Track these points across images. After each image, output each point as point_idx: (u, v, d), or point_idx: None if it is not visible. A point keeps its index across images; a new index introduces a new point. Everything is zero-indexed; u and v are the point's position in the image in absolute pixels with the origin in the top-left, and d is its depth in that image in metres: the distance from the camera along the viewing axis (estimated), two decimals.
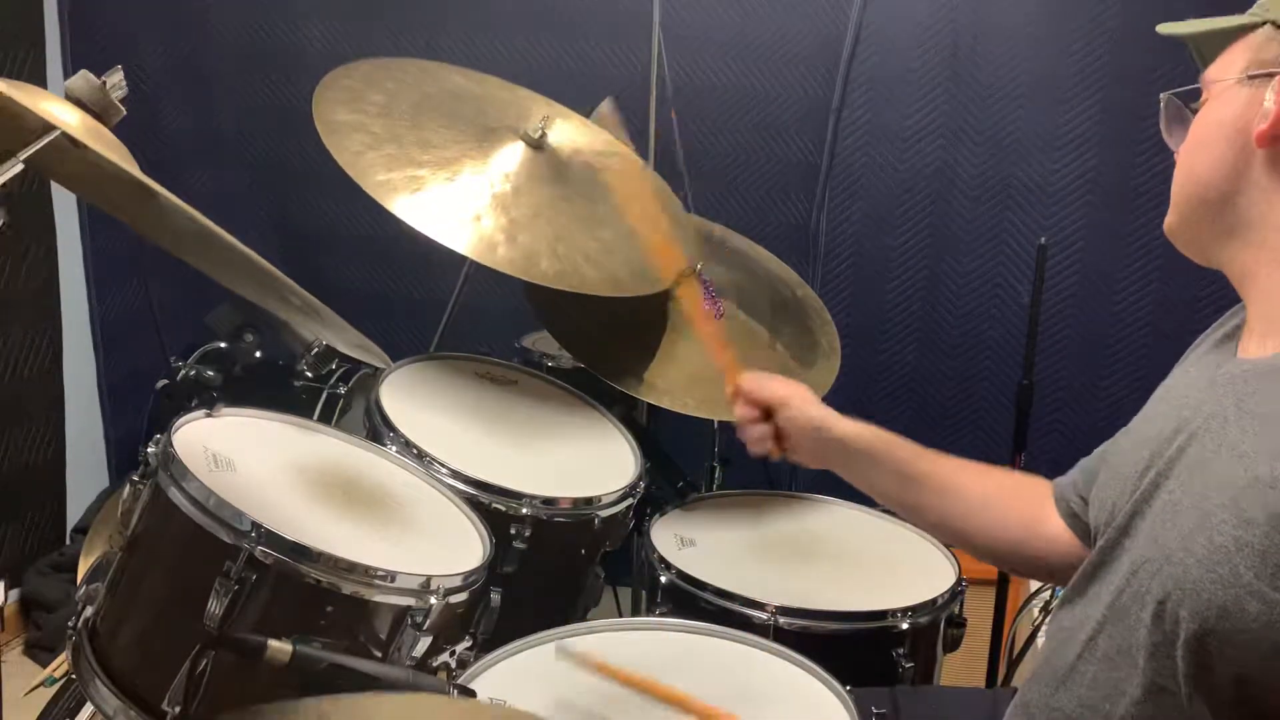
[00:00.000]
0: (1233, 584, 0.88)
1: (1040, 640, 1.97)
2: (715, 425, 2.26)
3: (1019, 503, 1.36)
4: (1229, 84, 1.03)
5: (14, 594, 2.71)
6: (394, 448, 1.67)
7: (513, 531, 1.64)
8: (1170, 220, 1.10)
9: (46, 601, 2.70)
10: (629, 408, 2.08)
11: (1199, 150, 1.05)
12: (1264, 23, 1.02)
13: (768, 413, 1.48)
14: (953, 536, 1.48)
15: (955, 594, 1.76)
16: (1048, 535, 1.31)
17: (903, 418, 2.80)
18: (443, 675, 1.35)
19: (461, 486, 1.64)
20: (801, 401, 1.46)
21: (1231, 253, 1.04)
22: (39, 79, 2.66)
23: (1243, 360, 1.02)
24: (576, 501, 1.73)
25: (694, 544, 1.84)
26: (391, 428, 1.70)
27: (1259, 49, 1.02)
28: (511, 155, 1.95)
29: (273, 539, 1.26)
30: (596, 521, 1.75)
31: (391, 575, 1.31)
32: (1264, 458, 0.90)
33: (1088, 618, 1.06)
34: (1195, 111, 1.07)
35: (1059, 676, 1.08)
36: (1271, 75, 0.99)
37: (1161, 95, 1.10)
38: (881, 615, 1.68)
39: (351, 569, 1.29)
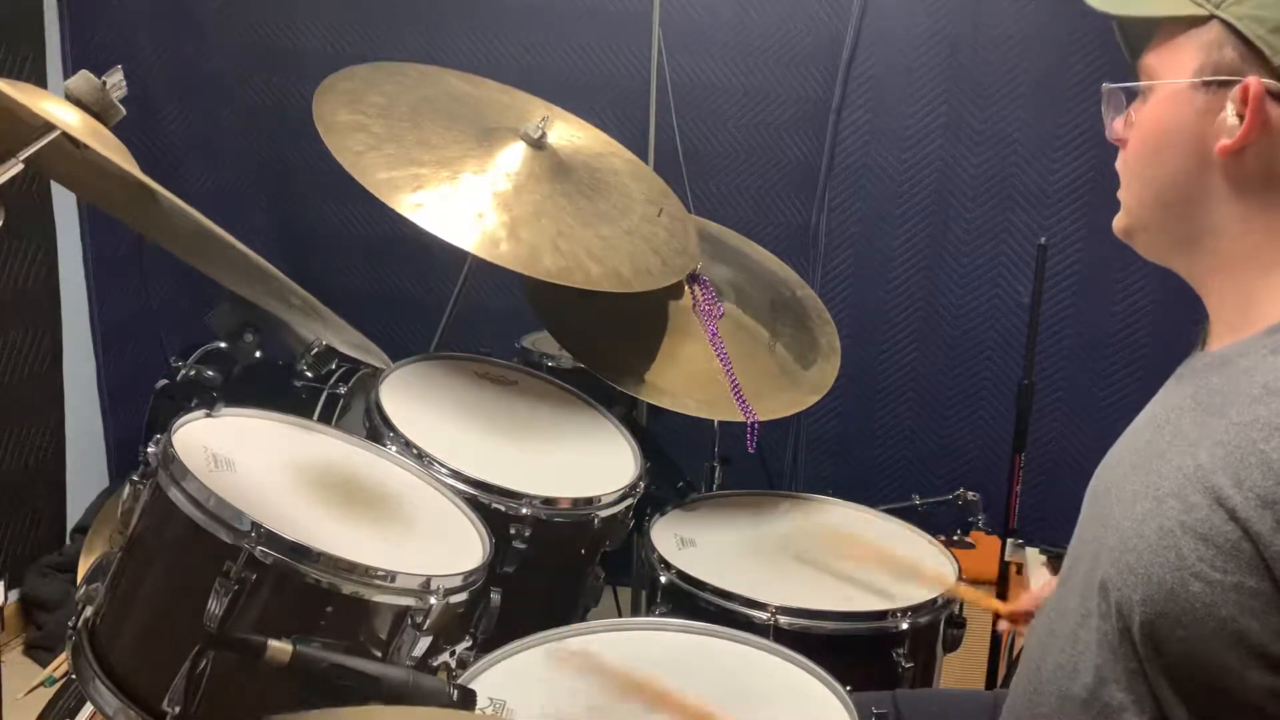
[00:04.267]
0: (1178, 566, 0.91)
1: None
2: (715, 425, 2.26)
3: None
4: (1180, 86, 0.99)
5: (14, 594, 2.71)
6: (394, 448, 1.67)
7: (513, 531, 1.64)
8: (1122, 223, 1.08)
9: (46, 601, 2.70)
10: (629, 408, 2.08)
11: (1153, 156, 1.03)
12: (1210, 16, 0.97)
13: None
14: None
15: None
16: None
17: (903, 417, 2.80)
18: (443, 675, 1.35)
19: (461, 486, 1.64)
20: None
21: (1186, 257, 1.05)
22: (39, 79, 2.65)
23: (1205, 354, 1.05)
24: (576, 501, 1.73)
25: (694, 544, 1.84)
26: (391, 428, 1.70)
27: (1211, 50, 0.97)
28: (512, 155, 1.95)
29: (272, 539, 1.26)
30: (596, 521, 1.75)
31: (391, 575, 1.31)
32: (1206, 445, 0.93)
33: (1069, 610, 1.08)
34: (1131, 97, 1.04)
35: (1046, 672, 1.09)
36: (1226, 83, 0.96)
37: (1105, 86, 1.07)
38: (881, 615, 1.69)
39: (351, 569, 1.29)
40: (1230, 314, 1.02)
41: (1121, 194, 1.08)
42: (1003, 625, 1.55)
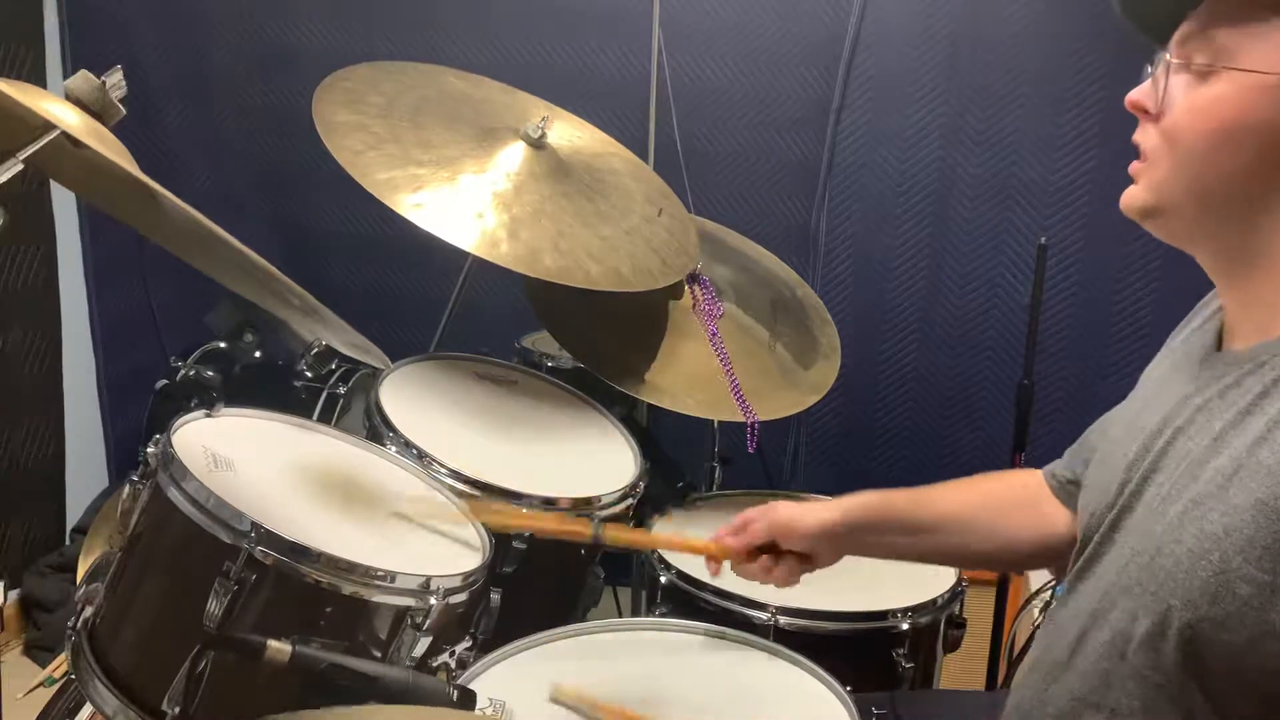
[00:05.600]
0: (1222, 570, 0.89)
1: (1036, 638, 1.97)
2: (715, 425, 2.26)
3: (1022, 506, 1.36)
4: (1270, 79, 0.90)
5: (14, 594, 2.71)
6: (394, 448, 1.67)
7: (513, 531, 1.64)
8: (1146, 201, 1.00)
9: (46, 601, 2.70)
10: (629, 408, 2.08)
11: (1221, 147, 0.94)
12: None
13: (773, 550, 1.40)
14: (974, 563, 1.48)
15: (955, 594, 1.76)
16: (1054, 524, 1.33)
17: (902, 418, 2.80)
18: (442, 675, 1.35)
19: (461, 486, 1.64)
20: (787, 518, 1.38)
21: (1218, 250, 1.00)
22: (39, 79, 2.65)
23: (1226, 353, 1.02)
24: (576, 501, 1.73)
25: None
26: (391, 428, 1.70)
27: None
28: (512, 154, 1.95)
29: (272, 539, 1.26)
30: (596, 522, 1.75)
31: (391, 576, 1.31)
32: (1247, 446, 0.91)
33: (1080, 611, 1.07)
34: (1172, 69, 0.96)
35: (1052, 672, 1.09)
36: None
37: (1171, 59, 0.97)
38: (881, 615, 1.68)
39: (351, 569, 1.29)
40: (1261, 314, 0.97)
41: (1151, 172, 1.00)
42: (711, 567, 1.44)
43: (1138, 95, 1.01)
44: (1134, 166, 1.02)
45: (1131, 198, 1.02)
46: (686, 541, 1.47)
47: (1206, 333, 1.07)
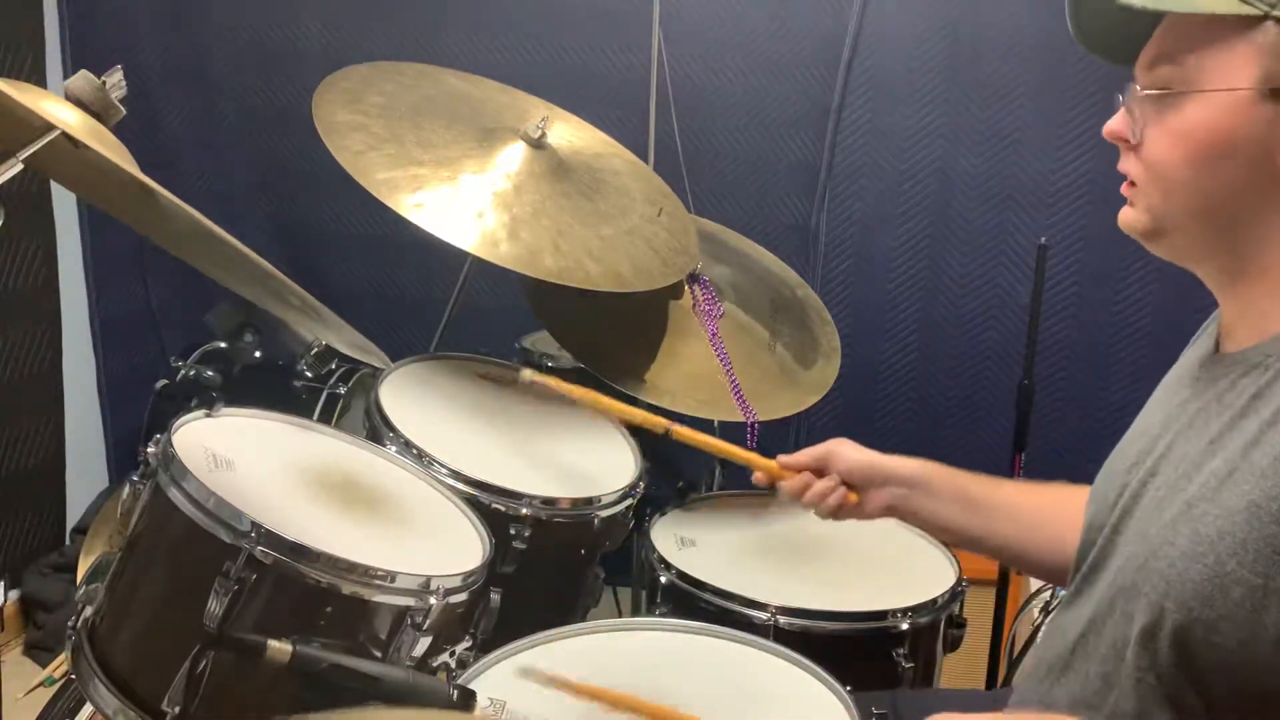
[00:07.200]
0: (1216, 572, 0.90)
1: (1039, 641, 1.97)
2: (715, 425, 2.26)
3: (1068, 514, 1.33)
4: (1242, 95, 0.92)
5: (14, 594, 2.71)
6: (394, 448, 1.67)
7: (512, 531, 1.64)
8: (1144, 223, 1.02)
9: (46, 601, 2.70)
10: None
11: (1208, 166, 0.95)
12: (1264, 17, 0.90)
13: (819, 472, 1.46)
14: (1011, 558, 1.49)
15: (955, 594, 1.76)
16: None
17: (903, 418, 2.80)
18: (442, 675, 1.35)
19: (461, 486, 1.64)
20: (849, 448, 1.44)
21: (1216, 263, 1.01)
22: (39, 79, 2.65)
23: (1223, 356, 1.03)
24: (576, 501, 1.73)
25: (694, 544, 1.84)
26: (391, 428, 1.70)
27: (1275, 56, 0.91)
28: (512, 154, 1.95)
29: (272, 539, 1.26)
30: (596, 521, 1.75)
31: (391, 575, 1.31)
32: (1241, 448, 0.92)
33: (1080, 616, 1.07)
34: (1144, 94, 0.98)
35: (1053, 674, 1.09)
36: None
37: (1139, 88, 0.99)
38: (881, 615, 1.68)
39: (351, 569, 1.29)
40: (1256, 318, 0.99)
41: (1143, 196, 1.01)
42: (759, 477, 1.50)
43: (1114, 125, 1.02)
44: (1126, 189, 1.04)
45: (1131, 220, 1.04)
46: (745, 453, 1.52)
47: (1206, 338, 1.08)
